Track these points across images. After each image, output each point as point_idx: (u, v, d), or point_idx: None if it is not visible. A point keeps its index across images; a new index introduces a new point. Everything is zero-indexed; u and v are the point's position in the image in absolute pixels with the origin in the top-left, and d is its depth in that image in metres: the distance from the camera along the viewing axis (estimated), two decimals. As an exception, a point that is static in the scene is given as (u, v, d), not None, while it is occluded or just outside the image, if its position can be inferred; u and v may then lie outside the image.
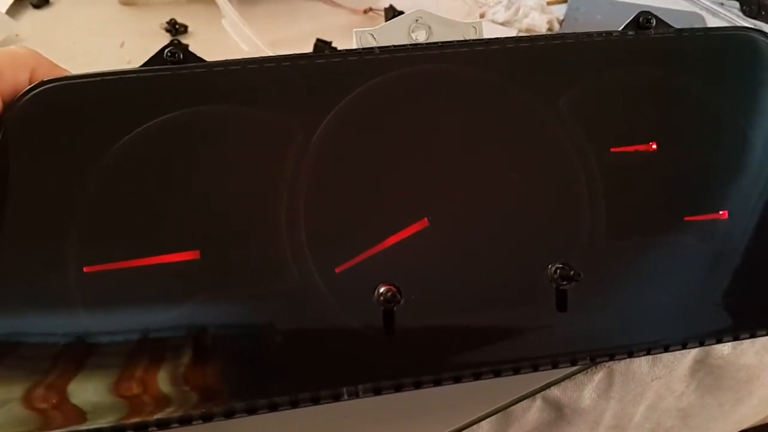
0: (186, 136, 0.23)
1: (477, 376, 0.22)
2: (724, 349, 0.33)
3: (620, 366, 0.31)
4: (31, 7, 0.52)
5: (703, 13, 0.57)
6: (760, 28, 0.25)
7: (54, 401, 0.20)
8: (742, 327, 0.24)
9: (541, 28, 0.54)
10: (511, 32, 0.54)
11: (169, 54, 0.24)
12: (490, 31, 0.53)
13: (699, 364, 0.34)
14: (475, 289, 0.23)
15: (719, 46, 0.27)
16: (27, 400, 0.20)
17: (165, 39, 0.49)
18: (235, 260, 0.22)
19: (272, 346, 0.22)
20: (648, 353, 0.23)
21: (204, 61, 0.25)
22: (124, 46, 0.48)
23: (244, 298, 0.22)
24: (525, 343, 0.23)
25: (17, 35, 0.48)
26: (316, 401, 0.21)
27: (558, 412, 0.31)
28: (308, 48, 0.47)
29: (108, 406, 0.20)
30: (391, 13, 0.52)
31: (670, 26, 0.27)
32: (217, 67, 0.24)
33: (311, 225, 0.23)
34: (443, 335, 0.23)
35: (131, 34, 0.49)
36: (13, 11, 0.50)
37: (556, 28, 0.54)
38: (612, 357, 0.23)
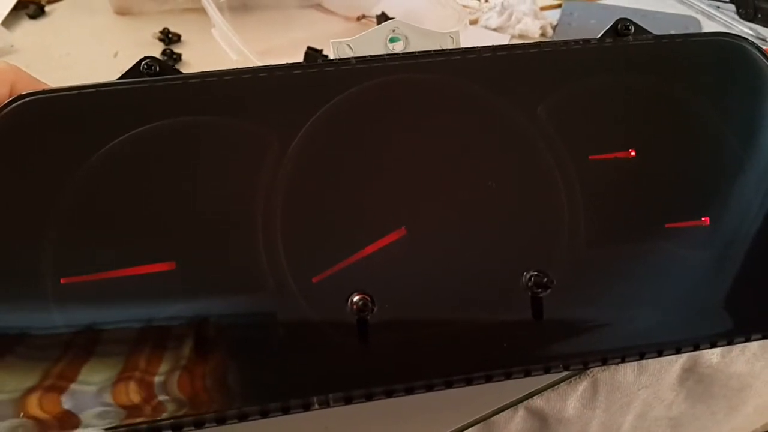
0: (162, 148, 0.23)
1: (449, 385, 0.22)
2: (713, 357, 0.33)
3: (605, 375, 0.30)
4: (26, 17, 0.52)
5: (699, 17, 0.57)
6: (757, 32, 0.25)
7: (28, 410, 0.20)
8: (720, 334, 0.24)
9: (535, 34, 0.54)
10: (503, 38, 0.54)
11: (145, 66, 0.24)
12: (482, 38, 0.53)
13: (687, 372, 0.34)
14: (449, 298, 0.23)
15: (699, 52, 0.27)
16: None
17: (158, 48, 0.49)
18: (211, 270, 0.22)
19: (245, 355, 0.22)
20: (623, 361, 0.23)
21: (180, 72, 0.25)
22: (118, 56, 0.48)
23: (220, 308, 0.22)
24: (498, 352, 0.23)
25: (12, 46, 0.48)
26: (286, 411, 0.21)
27: (542, 422, 0.31)
28: (300, 56, 0.47)
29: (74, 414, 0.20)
30: (384, 20, 0.52)
31: (648, 33, 0.27)
32: (193, 79, 0.24)
33: (288, 235, 0.23)
34: (416, 344, 0.22)
35: (125, 43, 0.50)
36: (8, 22, 0.51)
37: (550, 33, 0.54)
38: (586, 365, 0.23)
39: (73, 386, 0.20)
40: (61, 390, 0.20)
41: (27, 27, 0.52)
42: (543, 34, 0.54)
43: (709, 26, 0.56)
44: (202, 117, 0.24)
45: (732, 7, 0.57)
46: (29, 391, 0.20)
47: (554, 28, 0.55)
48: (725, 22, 0.56)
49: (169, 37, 0.50)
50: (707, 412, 0.38)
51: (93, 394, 0.20)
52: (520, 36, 0.54)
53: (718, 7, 0.58)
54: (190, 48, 0.50)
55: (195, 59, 0.49)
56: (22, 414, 0.20)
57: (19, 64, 0.26)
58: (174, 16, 0.53)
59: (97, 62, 0.48)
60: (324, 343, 0.22)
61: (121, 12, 0.54)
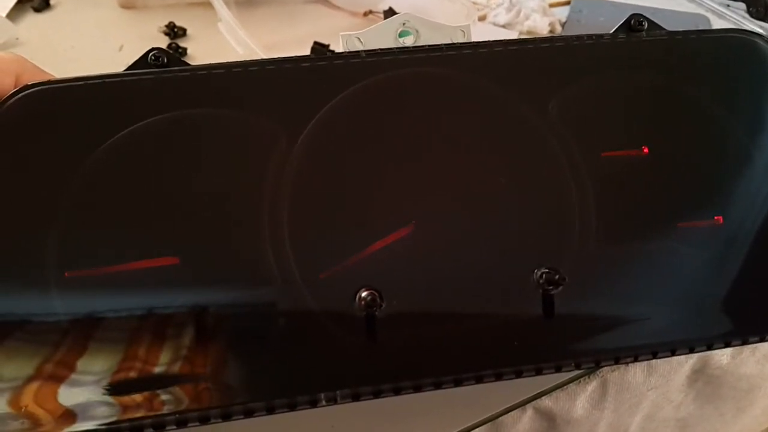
0: (168, 141, 0.23)
1: (458, 382, 0.22)
2: (723, 358, 0.33)
3: (614, 376, 0.30)
4: (31, 10, 0.52)
5: (709, 15, 0.56)
6: (767, 30, 0.24)
7: (28, 404, 0.20)
8: (733, 333, 0.23)
9: (543, 31, 0.53)
10: (512, 35, 0.53)
11: (153, 58, 0.24)
12: (490, 34, 0.53)
13: (697, 373, 0.33)
14: (459, 295, 0.23)
15: (712, 49, 0.26)
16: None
17: (164, 42, 0.49)
18: (217, 265, 0.22)
19: (251, 351, 0.21)
20: (635, 359, 0.23)
21: (188, 64, 0.24)
22: (123, 50, 0.48)
23: (226, 303, 0.22)
24: (509, 349, 0.22)
25: (17, 38, 0.48)
26: (292, 407, 0.21)
27: (550, 422, 0.30)
28: (306, 51, 0.47)
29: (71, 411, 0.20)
30: (391, 16, 0.52)
31: (662, 29, 0.26)
32: (201, 71, 0.24)
33: (295, 229, 0.22)
34: (425, 340, 0.22)
35: (130, 37, 0.50)
36: (13, 15, 0.51)
37: (558, 30, 0.54)
38: (598, 363, 0.23)
39: (74, 378, 0.20)
40: (61, 382, 0.20)
41: (32, 20, 0.52)
42: (551, 31, 0.53)
43: (719, 25, 0.55)
44: (210, 109, 0.24)
45: (742, 5, 0.57)
46: (29, 380, 0.20)
47: (563, 25, 0.55)
48: (735, 20, 0.55)
49: (174, 31, 0.50)
50: (715, 413, 0.38)
51: (94, 387, 0.20)
52: (529, 33, 0.53)
53: (728, 5, 0.57)
54: (196, 42, 0.50)
55: (201, 53, 0.49)
56: (23, 408, 0.20)
57: (23, 57, 0.25)
58: (179, 9, 0.53)
59: (101, 56, 0.47)
60: (331, 339, 0.22)
61: (127, 5, 0.53)
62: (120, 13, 0.53)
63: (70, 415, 0.20)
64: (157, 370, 0.21)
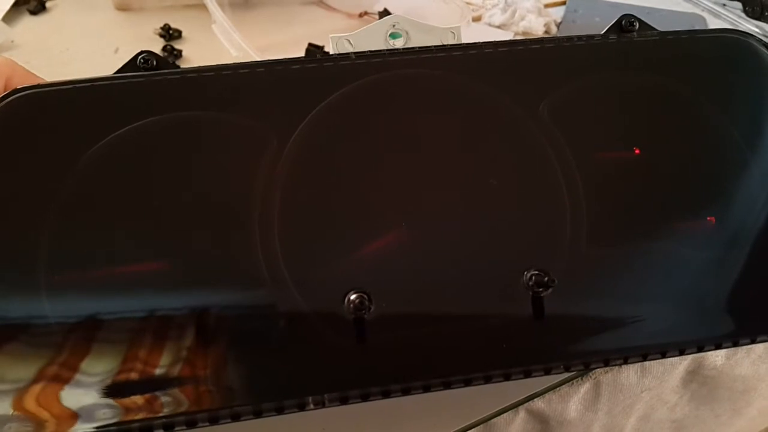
0: (159, 143, 0.23)
1: (447, 385, 0.22)
2: (717, 359, 0.33)
3: (607, 377, 0.30)
4: (27, 13, 0.52)
5: (705, 15, 0.56)
6: (764, 30, 0.24)
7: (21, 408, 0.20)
8: (725, 335, 0.23)
9: (538, 31, 0.53)
10: (507, 35, 0.53)
11: (142, 61, 0.24)
12: (485, 35, 0.53)
13: (691, 374, 0.33)
14: (448, 297, 0.23)
15: (704, 49, 0.26)
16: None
17: (159, 44, 0.49)
18: (206, 268, 0.22)
19: (239, 354, 0.21)
20: (625, 362, 0.23)
21: (178, 67, 0.24)
22: (118, 52, 0.48)
23: (215, 307, 0.22)
24: (498, 352, 0.22)
25: (13, 41, 0.48)
26: (280, 411, 0.21)
27: (543, 424, 0.30)
28: (301, 53, 0.47)
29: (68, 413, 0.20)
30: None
31: (653, 29, 0.26)
32: (190, 74, 0.24)
33: (285, 232, 0.22)
34: (413, 343, 0.22)
35: (126, 39, 0.50)
36: (9, 18, 0.51)
37: (554, 30, 0.54)
38: (587, 366, 0.23)
39: (66, 382, 0.20)
40: (51, 387, 0.20)
41: (27, 22, 0.52)
42: (547, 32, 0.53)
43: (715, 24, 0.55)
44: (199, 112, 0.24)
45: (738, 5, 0.56)
46: (20, 386, 0.20)
47: (558, 25, 0.54)
48: (731, 20, 0.55)
49: (170, 33, 0.50)
50: (711, 414, 0.37)
51: (83, 392, 0.20)
52: (524, 33, 0.53)
53: (724, 5, 0.57)
54: (191, 44, 0.50)
55: (196, 55, 0.49)
56: (12, 411, 0.20)
57: (19, 60, 0.25)
58: (175, 12, 0.53)
59: (97, 58, 0.47)
60: (320, 341, 0.22)
61: (122, 8, 0.53)
62: (115, 16, 0.53)
63: (63, 419, 0.20)
64: (143, 373, 0.20)
